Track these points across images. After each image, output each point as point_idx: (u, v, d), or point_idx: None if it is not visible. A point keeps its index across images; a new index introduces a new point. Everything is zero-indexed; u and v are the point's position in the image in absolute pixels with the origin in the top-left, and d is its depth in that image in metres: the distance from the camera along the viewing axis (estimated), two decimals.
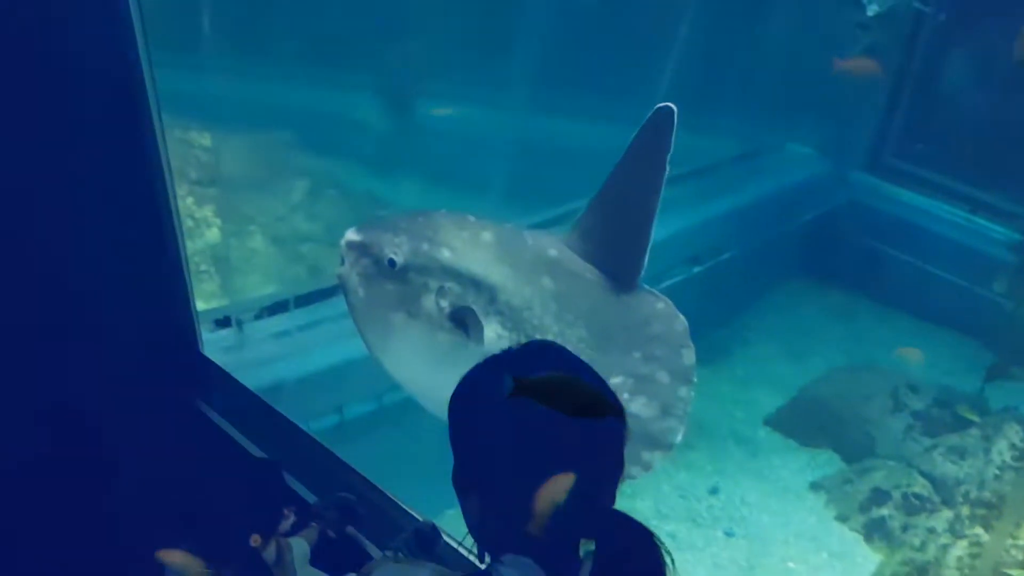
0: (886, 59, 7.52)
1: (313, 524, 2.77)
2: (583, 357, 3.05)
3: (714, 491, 6.21)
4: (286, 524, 2.40)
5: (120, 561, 3.01)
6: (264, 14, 6.34)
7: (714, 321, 7.49)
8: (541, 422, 1.60)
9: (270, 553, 2.34)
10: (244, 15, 6.03)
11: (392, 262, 2.93)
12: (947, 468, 6.05)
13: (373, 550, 2.89)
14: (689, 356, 3.28)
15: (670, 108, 3.07)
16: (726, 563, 5.71)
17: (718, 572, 5.66)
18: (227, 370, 3.91)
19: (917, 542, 5.69)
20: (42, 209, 3.01)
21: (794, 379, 7.24)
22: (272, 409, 3.60)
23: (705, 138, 7.38)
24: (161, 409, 3.56)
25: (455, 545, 2.96)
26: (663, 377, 3.25)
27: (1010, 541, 5.38)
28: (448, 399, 3.21)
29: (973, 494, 5.80)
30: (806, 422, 6.81)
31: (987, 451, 6.03)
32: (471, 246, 3.00)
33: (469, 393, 1.72)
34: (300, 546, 2.46)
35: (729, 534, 5.88)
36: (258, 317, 4.72)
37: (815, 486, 6.32)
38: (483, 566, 1.71)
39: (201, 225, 5.70)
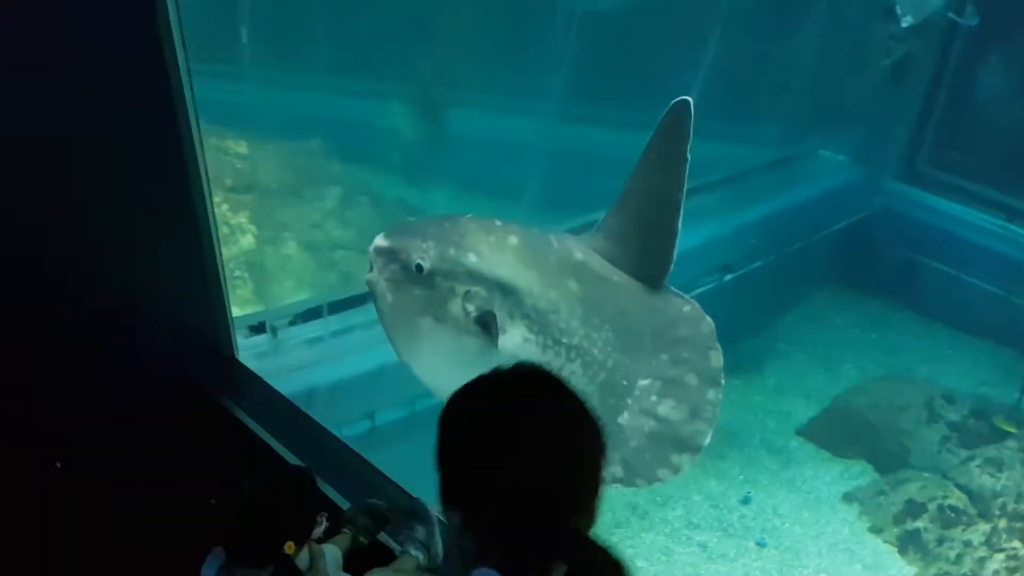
0: (920, 67, 7.47)
1: (345, 530, 2.77)
2: (610, 360, 3.11)
3: (746, 501, 6.17)
4: (318, 530, 2.41)
5: (151, 559, 3.05)
6: (298, 25, 6.39)
7: (746, 330, 7.44)
8: (521, 441, 1.62)
9: (303, 559, 2.34)
10: (279, 26, 6.08)
11: (419, 267, 2.95)
12: (984, 480, 5.98)
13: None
14: (717, 358, 3.27)
15: (686, 101, 3.12)
16: (757, 574, 5.67)
17: None
18: (261, 376, 3.94)
19: (953, 555, 5.62)
20: (81, 215, 3.05)
21: (827, 389, 7.19)
22: (305, 415, 3.62)
23: (738, 146, 7.37)
24: (196, 413, 3.59)
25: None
26: (691, 380, 3.25)
27: None
28: None
29: (1011, 507, 5.73)
30: (839, 432, 6.75)
31: None
32: (497, 250, 3.01)
33: (455, 412, 1.71)
34: (332, 552, 2.47)
35: (761, 544, 5.84)
36: (292, 323, 4.75)
37: (848, 497, 6.27)
38: None
39: (236, 232, 5.75)
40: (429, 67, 7.02)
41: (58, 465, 3.15)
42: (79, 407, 3.13)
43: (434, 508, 2.62)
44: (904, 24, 6.43)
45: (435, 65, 7.00)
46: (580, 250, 3.18)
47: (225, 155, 6.13)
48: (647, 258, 3.23)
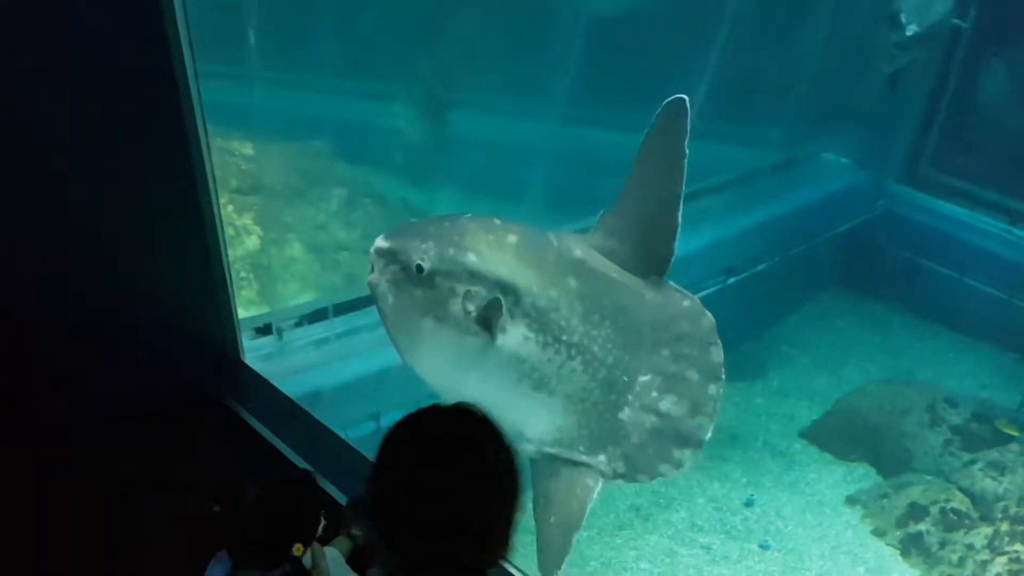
0: (919, 75, 7.47)
1: (342, 533, 2.78)
2: (610, 357, 3.13)
3: (749, 503, 6.17)
4: (319, 530, 2.42)
5: (151, 560, 3.05)
6: (304, 26, 6.41)
7: (749, 333, 7.45)
8: (449, 479, 1.79)
9: (306, 559, 2.36)
10: (285, 27, 6.09)
11: (420, 268, 2.95)
12: (986, 483, 5.99)
13: None
14: (717, 353, 3.28)
15: (682, 99, 3.11)
16: None
17: None
18: (266, 377, 3.95)
19: (955, 558, 5.62)
20: (88, 216, 3.06)
21: (830, 392, 7.20)
22: (310, 416, 3.62)
23: (742, 148, 7.38)
24: (202, 415, 3.60)
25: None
26: (692, 375, 3.26)
27: None
28: (478, 401, 3.24)
29: (1013, 510, 5.73)
30: (842, 435, 6.76)
31: None
32: (497, 249, 3.01)
33: (392, 444, 1.87)
34: (332, 552, 2.49)
35: (764, 547, 5.84)
36: (298, 325, 4.76)
37: (851, 500, 6.27)
38: None
39: (241, 233, 5.75)
40: (434, 69, 7.03)
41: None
42: (84, 408, 3.13)
43: None
44: (908, 32, 6.41)
45: (439, 67, 7.01)
46: (579, 248, 3.19)
47: (231, 156, 6.14)
48: (647, 254, 3.25)
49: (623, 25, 6.64)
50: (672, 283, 3.32)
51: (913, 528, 5.88)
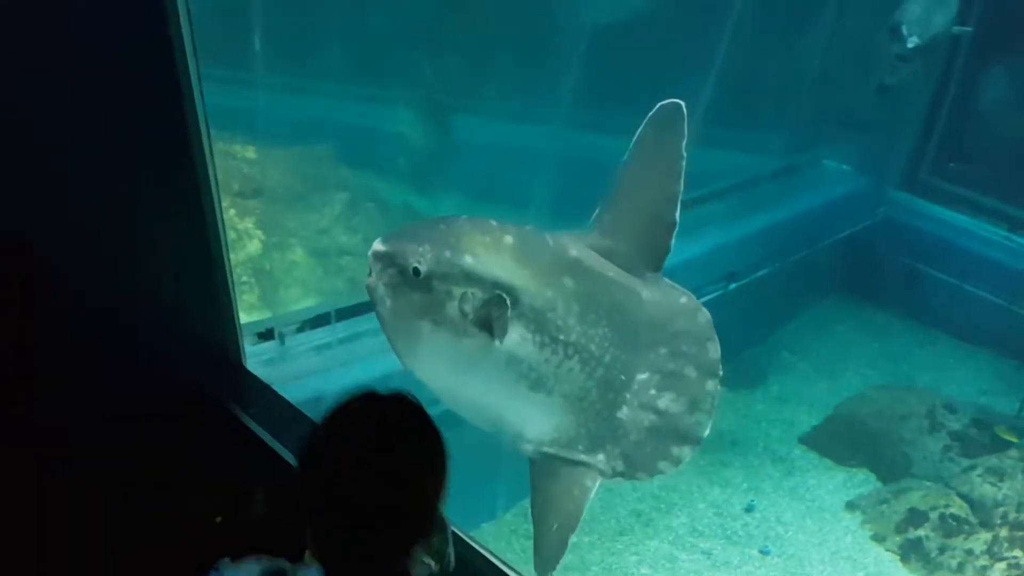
0: (923, 78, 7.48)
1: None
2: (607, 356, 3.15)
3: (749, 509, 6.18)
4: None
5: (155, 563, 3.05)
6: (308, 30, 6.42)
7: (749, 339, 7.46)
8: (378, 464, 1.85)
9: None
10: (288, 31, 6.10)
11: (417, 271, 2.96)
12: (985, 489, 5.99)
13: None
14: (714, 349, 3.31)
15: (677, 103, 3.20)
16: None
17: None
18: (268, 383, 3.95)
19: (954, 564, 5.63)
20: (90, 219, 3.07)
21: (830, 398, 7.20)
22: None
23: (742, 155, 7.39)
24: (203, 420, 3.60)
25: (500, 565, 2.99)
26: (690, 372, 3.28)
27: None
28: (477, 402, 3.25)
29: (1012, 516, 5.74)
30: (842, 441, 6.76)
31: None
32: (493, 251, 3.02)
33: (327, 426, 1.93)
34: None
35: (765, 552, 5.85)
36: (300, 330, 4.76)
37: (851, 505, 6.28)
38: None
39: (243, 237, 5.76)
40: (437, 73, 7.04)
41: None
42: (84, 411, 3.13)
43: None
44: (910, 45, 6.40)
45: (443, 71, 7.02)
46: (575, 247, 3.20)
47: (233, 160, 6.15)
48: (644, 252, 3.27)
49: (626, 32, 6.65)
50: (668, 280, 3.34)
51: (912, 534, 5.89)
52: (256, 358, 4.26)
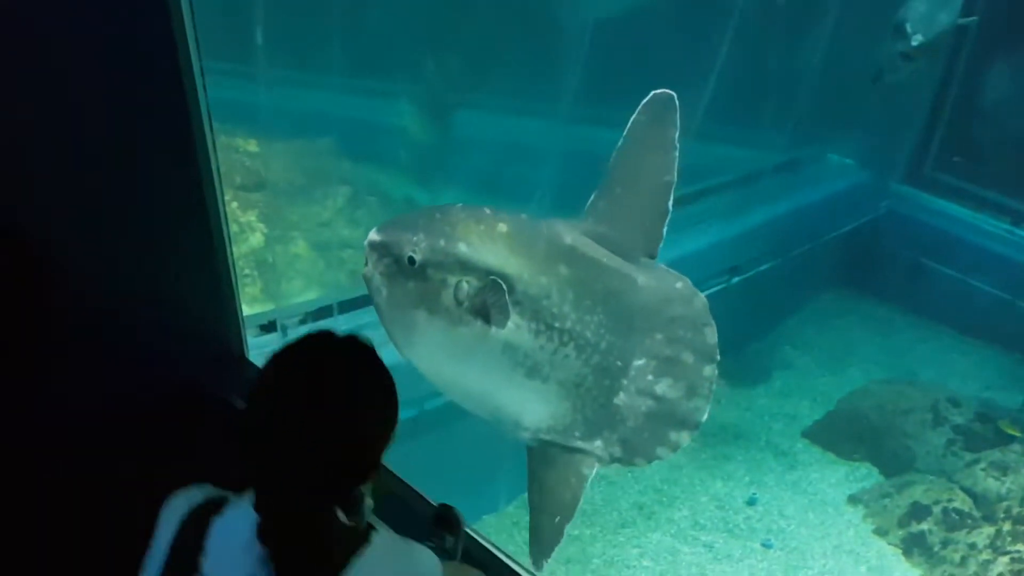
0: (927, 71, 7.46)
1: None
2: (603, 342, 3.16)
3: (752, 502, 6.18)
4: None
5: None
6: (311, 24, 6.41)
7: (752, 332, 7.46)
8: (330, 398, 1.87)
9: None
10: (291, 25, 6.09)
11: (412, 260, 2.96)
12: (989, 484, 5.99)
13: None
14: (711, 334, 3.30)
15: (670, 94, 3.25)
16: (763, 575, 5.69)
17: None
18: None
19: (957, 558, 5.63)
20: (90, 213, 3.06)
21: (833, 391, 7.21)
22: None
23: (746, 149, 7.38)
24: (204, 413, 3.60)
25: (503, 558, 2.99)
26: (687, 357, 3.28)
27: None
28: (473, 391, 3.25)
29: (1015, 510, 5.74)
30: (845, 435, 6.77)
31: None
32: (487, 239, 3.02)
33: (278, 363, 1.93)
34: None
35: (767, 546, 5.86)
36: (302, 322, 4.77)
37: (854, 499, 6.28)
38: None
39: (245, 230, 5.76)
40: (439, 67, 7.03)
41: None
42: (84, 406, 3.13)
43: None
44: (914, 43, 6.37)
45: (445, 65, 7.02)
46: (570, 234, 3.19)
47: (235, 153, 6.15)
48: (638, 238, 3.28)
49: (629, 26, 6.64)
50: (663, 266, 3.35)
51: (915, 528, 5.89)
52: (259, 350, 4.26)
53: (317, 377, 1.88)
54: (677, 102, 3.25)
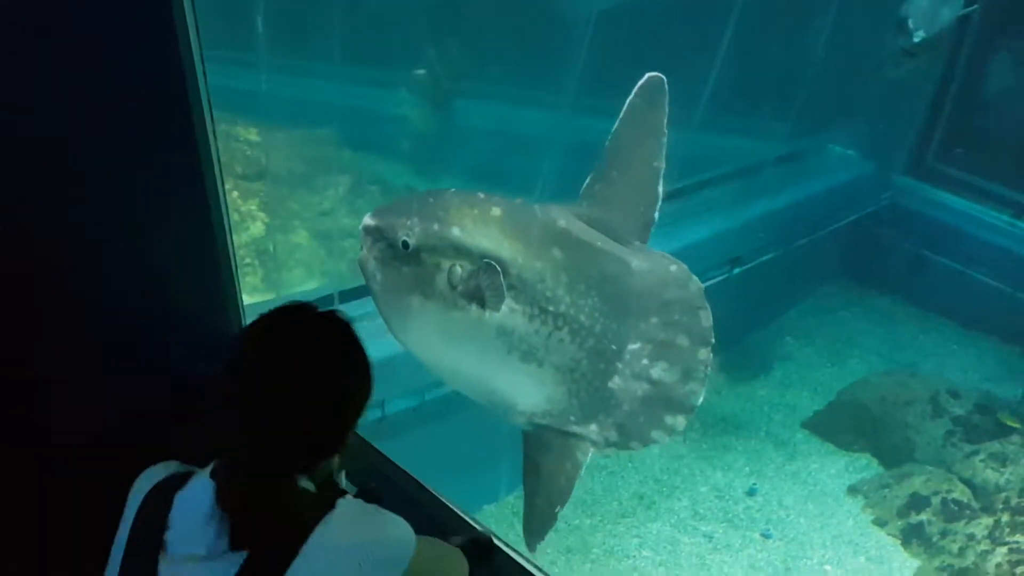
0: (929, 63, 7.44)
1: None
2: (598, 326, 3.17)
3: (751, 493, 6.20)
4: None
5: None
6: (311, 12, 6.39)
7: (753, 323, 7.46)
8: (310, 368, 1.95)
9: None
10: (292, 13, 6.08)
11: (405, 244, 2.97)
12: (987, 475, 6.00)
13: None
14: (706, 317, 3.30)
15: (660, 77, 3.26)
16: (762, 565, 5.70)
17: (754, 574, 5.66)
18: None
19: (956, 548, 5.64)
20: (90, 201, 3.05)
21: (833, 383, 7.21)
22: None
23: (747, 139, 7.37)
24: (206, 404, 3.60)
25: (507, 550, 3.00)
26: (683, 341, 3.28)
27: None
28: (468, 375, 3.26)
29: (1014, 501, 5.74)
30: (845, 426, 6.77)
31: None
32: (481, 223, 3.02)
33: (249, 329, 2.01)
34: None
35: (766, 536, 5.87)
36: None
37: (853, 490, 6.29)
38: None
39: (246, 219, 5.76)
40: (440, 56, 7.02)
41: None
42: (83, 397, 3.13)
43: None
44: (916, 39, 6.34)
45: (447, 54, 7.00)
46: (564, 218, 3.19)
47: (236, 142, 6.14)
48: (631, 222, 3.28)
49: (632, 15, 6.62)
50: (658, 251, 3.35)
51: (914, 518, 5.90)
52: None
53: (286, 347, 1.93)
54: (667, 86, 3.26)
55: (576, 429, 3.26)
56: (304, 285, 5.54)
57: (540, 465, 3.27)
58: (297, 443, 1.92)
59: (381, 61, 6.94)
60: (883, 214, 8.35)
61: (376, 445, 3.41)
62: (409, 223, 2.97)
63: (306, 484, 1.98)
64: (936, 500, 5.93)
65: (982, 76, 8.03)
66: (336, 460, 2.15)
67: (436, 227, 2.98)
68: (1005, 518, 5.65)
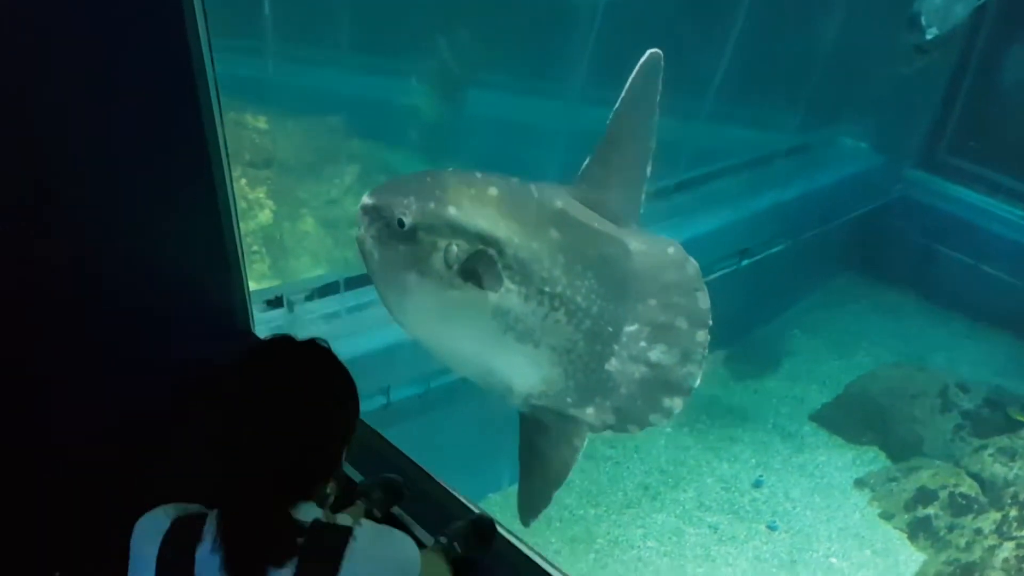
0: (942, 55, 7.40)
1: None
2: (594, 308, 3.16)
3: (758, 484, 6.19)
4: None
5: None
6: (319, 1, 6.39)
7: (761, 316, 7.45)
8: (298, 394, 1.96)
9: None
10: (299, 2, 6.07)
11: (402, 222, 2.95)
12: (996, 469, 5.98)
13: (419, 531, 2.93)
14: (704, 299, 3.29)
15: (658, 53, 3.22)
16: (768, 556, 5.70)
17: (759, 565, 5.65)
18: None
19: (963, 543, 5.62)
20: (100, 189, 3.05)
21: (841, 375, 7.20)
22: None
23: (758, 131, 7.34)
24: (212, 391, 3.60)
25: (510, 538, 3.00)
26: (681, 323, 3.26)
27: None
28: (465, 355, 3.25)
29: (1022, 496, 5.72)
30: (852, 419, 6.76)
31: None
32: (477, 203, 2.99)
33: (238, 366, 2.00)
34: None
35: (772, 528, 5.86)
36: (309, 298, 4.77)
37: (860, 483, 6.28)
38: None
39: (254, 207, 5.77)
40: (450, 46, 7.01)
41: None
42: (92, 383, 3.13)
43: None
44: (929, 36, 6.30)
45: (456, 44, 6.99)
46: (561, 199, 3.17)
47: (244, 130, 6.14)
48: (626, 204, 3.27)
49: (642, 6, 6.60)
50: (655, 233, 3.34)
51: (921, 512, 5.89)
52: (265, 325, 4.27)
53: (274, 383, 1.95)
54: (662, 63, 3.22)
55: (573, 412, 3.25)
56: (310, 272, 5.55)
57: (537, 446, 3.27)
58: (287, 474, 1.93)
59: (390, 50, 6.93)
60: (894, 207, 8.31)
61: (382, 432, 3.42)
62: (406, 202, 2.95)
63: (319, 514, 2.01)
64: (944, 494, 5.91)
65: (995, 69, 7.98)
66: (331, 486, 2.19)
67: (433, 206, 2.95)
68: (1013, 513, 5.63)
